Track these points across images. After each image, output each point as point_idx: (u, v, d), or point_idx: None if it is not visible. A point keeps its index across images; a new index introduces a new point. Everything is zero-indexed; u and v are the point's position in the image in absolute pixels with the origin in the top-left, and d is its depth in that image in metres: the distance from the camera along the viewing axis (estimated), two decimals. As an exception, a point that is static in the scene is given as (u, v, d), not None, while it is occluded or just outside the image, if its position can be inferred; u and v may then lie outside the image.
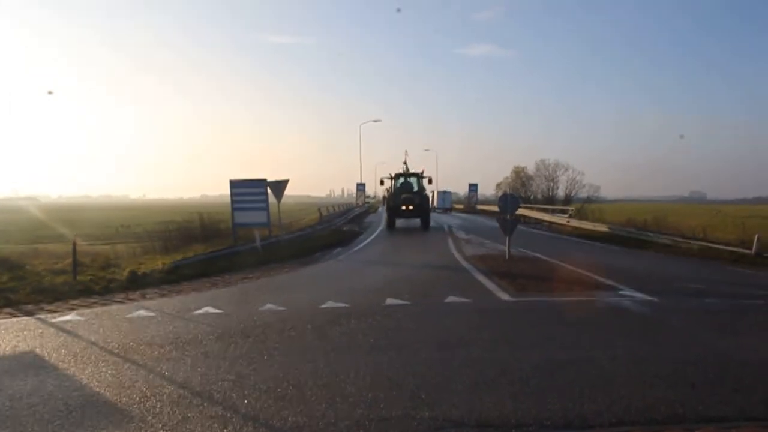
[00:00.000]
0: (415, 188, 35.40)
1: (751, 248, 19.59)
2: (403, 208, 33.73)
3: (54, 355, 7.33)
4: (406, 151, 70.37)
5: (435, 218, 46.17)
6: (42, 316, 9.72)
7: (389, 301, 10.98)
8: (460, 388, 6.07)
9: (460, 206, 73.43)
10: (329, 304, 10.76)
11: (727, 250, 20.61)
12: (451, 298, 11.30)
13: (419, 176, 36.33)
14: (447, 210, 66.95)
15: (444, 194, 71.03)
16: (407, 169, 39.25)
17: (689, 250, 22.07)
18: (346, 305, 10.61)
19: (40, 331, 8.70)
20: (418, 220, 34.46)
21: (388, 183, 37.98)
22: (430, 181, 36.51)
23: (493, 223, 24.88)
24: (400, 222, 35.55)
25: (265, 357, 7.23)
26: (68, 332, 8.60)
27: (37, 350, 7.54)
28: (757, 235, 19.86)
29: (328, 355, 7.37)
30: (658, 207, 54.60)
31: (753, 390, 6.12)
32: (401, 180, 36.49)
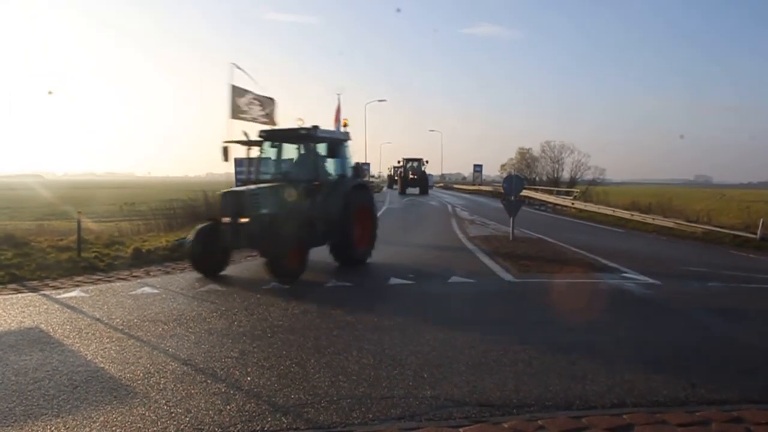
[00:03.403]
0: (417, 167, 58.57)
1: (755, 233, 19.55)
2: (411, 177, 57.62)
3: (59, 331, 7.36)
4: (400, 159, 72.80)
5: (438, 198, 46.76)
6: (47, 293, 9.76)
7: (393, 280, 10.99)
8: (463, 368, 6.09)
9: (463, 186, 77.03)
10: (332, 282, 10.79)
11: (731, 234, 20.57)
12: (454, 278, 11.32)
13: (420, 161, 59.37)
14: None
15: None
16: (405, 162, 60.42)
17: (693, 233, 22.03)
18: (349, 284, 10.63)
19: (45, 307, 8.74)
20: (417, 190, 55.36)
21: (400, 164, 62.14)
22: (427, 162, 59.42)
23: (497, 204, 24.84)
24: (405, 200, 44.89)
25: (269, 334, 7.25)
26: (73, 308, 8.64)
27: (42, 326, 7.58)
28: (762, 220, 19.80)
29: (331, 333, 7.39)
30: (663, 190, 54.44)
31: (755, 374, 6.13)
32: (410, 163, 59.81)
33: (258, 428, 4.60)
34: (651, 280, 11.50)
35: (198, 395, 5.24)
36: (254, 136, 12.78)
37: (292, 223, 11.07)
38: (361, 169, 14.02)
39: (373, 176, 79.32)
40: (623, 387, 5.57)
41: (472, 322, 8.19)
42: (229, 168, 20.59)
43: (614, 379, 5.76)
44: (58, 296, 9.50)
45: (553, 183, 57.58)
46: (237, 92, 13.65)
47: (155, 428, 4.59)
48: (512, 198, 18.62)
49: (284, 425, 4.67)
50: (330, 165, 13.20)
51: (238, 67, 13.70)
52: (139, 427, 4.62)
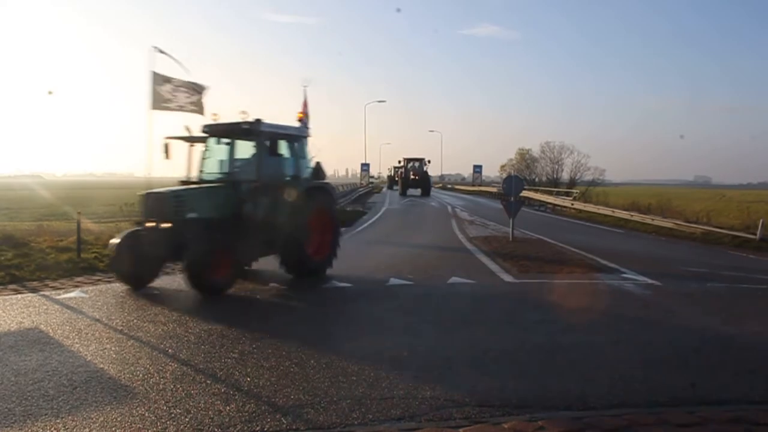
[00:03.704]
0: (418, 168, 57.78)
1: (755, 233, 19.56)
2: (412, 177, 56.13)
3: (58, 331, 7.36)
4: (401, 159, 71.73)
5: (438, 199, 46.67)
6: (46, 293, 9.76)
7: (392, 281, 11.00)
8: (462, 368, 6.09)
9: (460, 186, 77.32)
10: (332, 283, 10.79)
11: (730, 234, 20.58)
12: (454, 279, 11.32)
13: (422, 161, 58.97)
14: None
15: None
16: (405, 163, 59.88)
17: (693, 234, 22.04)
18: (349, 285, 10.63)
19: (45, 307, 8.74)
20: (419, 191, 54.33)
21: (401, 164, 61.07)
22: (429, 162, 59.57)
23: (496, 204, 24.85)
24: (405, 201, 44.68)
25: (268, 335, 7.25)
26: (72, 309, 8.64)
27: (42, 327, 7.58)
28: (761, 221, 19.81)
29: (330, 333, 7.39)
30: (662, 191, 54.50)
31: (754, 374, 6.14)
32: (411, 163, 58.88)
33: (258, 428, 4.60)
34: (650, 281, 11.50)
35: (198, 396, 5.23)
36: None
37: (219, 229, 10.08)
38: (321, 169, 12.20)
39: (372, 177, 79.30)
40: (623, 387, 5.57)
41: (472, 322, 8.20)
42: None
43: (614, 380, 5.76)
44: (57, 297, 9.50)
45: (553, 184, 57.56)
46: (158, 79, 12.29)
47: (155, 429, 4.59)
48: (512, 199, 18.63)
49: (284, 426, 4.67)
50: (286, 164, 11.67)
51: (161, 51, 12.36)
52: (139, 427, 4.61)
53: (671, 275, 12.46)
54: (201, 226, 9.95)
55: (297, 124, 12.69)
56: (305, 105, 15.25)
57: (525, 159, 67.43)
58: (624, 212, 28.51)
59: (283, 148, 11.60)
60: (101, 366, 6.05)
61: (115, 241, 10.23)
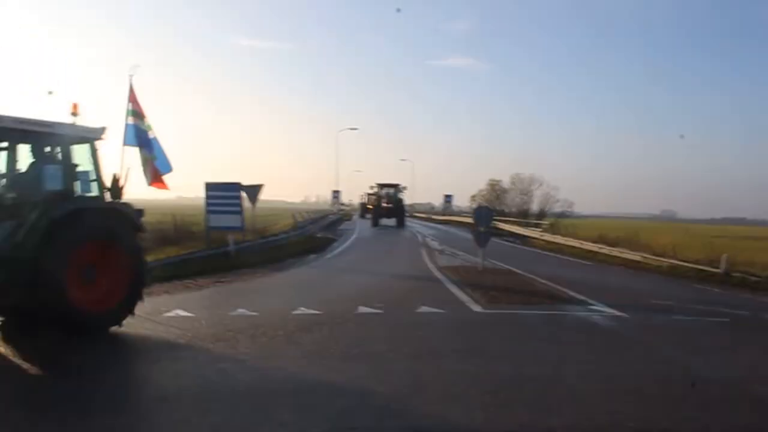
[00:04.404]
0: (393, 195, 49.80)
1: (719, 267, 19.91)
2: (384, 205, 48.22)
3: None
4: (373, 184, 66.22)
5: (408, 227, 46.52)
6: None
7: (361, 309, 10.95)
8: (431, 398, 6.07)
9: (421, 214, 75.93)
10: (301, 310, 10.69)
11: (695, 268, 20.91)
12: (423, 308, 11.31)
13: (397, 187, 51.36)
14: None
15: None
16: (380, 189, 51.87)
17: (659, 267, 22.35)
18: (318, 312, 10.54)
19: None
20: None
21: (373, 190, 53.38)
22: (405, 188, 52.21)
23: (466, 234, 24.98)
24: (375, 229, 43.13)
25: (236, 363, 7.16)
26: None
27: None
28: (725, 255, 20.19)
29: (298, 362, 7.32)
30: (629, 224, 55.23)
31: (717, 407, 6.22)
32: (384, 190, 50.82)
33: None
34: (618, 313, 11.62)
35: (163, 425, 5.13)
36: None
37: None
38: (117, 186, 8.97)
39: (344, 204, 78.99)
40: (588, 420, 5.61)
41: (441, 352, 8.19)
42: (201, 192, 20.47)
43: (580, 412, 5.80)
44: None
45: (523, 215, 58.06)
46: None
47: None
48: (482, 229, 18.74)
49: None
50: (48, 175, 8.30)
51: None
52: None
53: (638, 307, 12.60)
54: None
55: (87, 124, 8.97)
56: (134, 98, 12.21)
57: (495, 190, 67.93)
58: (592, 244, 28.83)
59: (41, 153, 8.51)
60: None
61: None
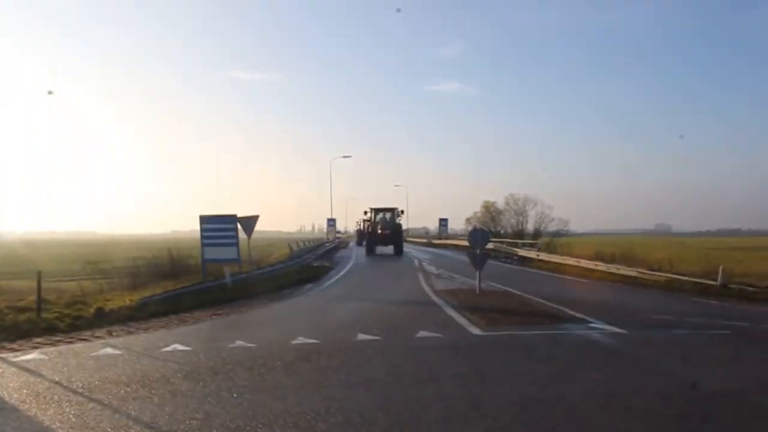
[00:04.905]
0: (389, 220, 45.68)
1: (716, 280, 19.93)
2: (380, 231, 44.22)
3: (15, 395, 7.12)
4: (367, 210, 64.70)
5: (406, 253, 46.13)
6: (3, 356, 9.46)
7: (360, 336, 10.91)
8: (432, 423, 6.03)
9: (417, 240, 76.67)
10: (300, 340, 10.65)
11: (692, 281, 20.92)
12: (422, 333, 11.27)
13: (394, 211, 46.33)
14: None
15: None
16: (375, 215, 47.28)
17: (657, 282, 22.35)
18: (317, 341, 10.50)
19: (0, 371, 8.46)
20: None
21: (367, 216, 48.56)
22: (402, 212, 46.64)
23: (462, 257, 24.97)
24: (371, 257, 40.92)
25: (234, 395, 7.11)
26: (30, 371, 8.37)
27: (-2, 391, 7.32)
28: (721, 267, 20.22)
29: (298, 392, 7.27)
30: (624, 240, 55.34)
31: (721, 421, 6.19)
32: (380, 215, 46.42)
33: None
34: (617, 330, 11.60)
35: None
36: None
37: None
38: None
39: (339, 232, 78.81)
40: (592, 438, 5.57)
41: (440, 376, 8.15)
42: (196, 225, 20.45)
43: (582, 431, 5.75)
44: (15, 359, 9.21)
45: (518, 235, 58.09)
46: None
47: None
48: (478, 251, 18.75)
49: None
50: None
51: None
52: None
53: (637, 323, 12.59)
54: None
55: None
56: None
57: (490, 211, 68.04)
58: (589, 262, 28.83)
59: None
60: (60, 431, 5.85)
61: None
